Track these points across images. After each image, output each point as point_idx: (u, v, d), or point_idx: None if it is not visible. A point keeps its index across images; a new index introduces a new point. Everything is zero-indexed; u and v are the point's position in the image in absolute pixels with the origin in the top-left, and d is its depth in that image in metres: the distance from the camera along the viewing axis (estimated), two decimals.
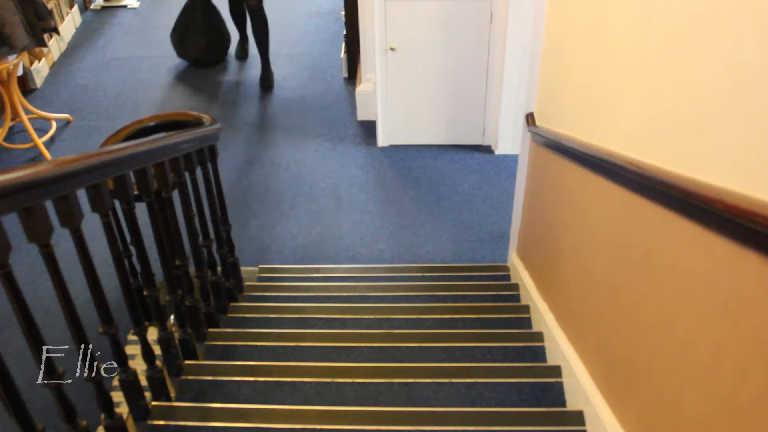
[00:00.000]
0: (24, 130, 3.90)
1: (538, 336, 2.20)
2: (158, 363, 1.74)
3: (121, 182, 1.51)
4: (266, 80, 4.50)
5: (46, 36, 3.66)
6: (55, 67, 4.92)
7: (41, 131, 4.06)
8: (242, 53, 4.92)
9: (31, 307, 1.19)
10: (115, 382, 1.63)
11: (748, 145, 0.93)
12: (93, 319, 1.44)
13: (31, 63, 4.58)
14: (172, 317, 1.97)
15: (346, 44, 4.60)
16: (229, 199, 2.54)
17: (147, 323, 1.67)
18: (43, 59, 4.73)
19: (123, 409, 1.63)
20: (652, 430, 1.32)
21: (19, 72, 4.29)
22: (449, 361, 2.07)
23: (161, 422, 1.67)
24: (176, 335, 1.90)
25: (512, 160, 3.57)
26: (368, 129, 4.24)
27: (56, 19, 4.89)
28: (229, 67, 4.96)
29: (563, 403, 1.85)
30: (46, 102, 4.48)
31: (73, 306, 1.31)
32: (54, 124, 4.16)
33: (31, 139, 3.81)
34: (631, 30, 1.38)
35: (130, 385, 1.60)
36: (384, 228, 3.36)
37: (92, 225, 1.49)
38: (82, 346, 1.36)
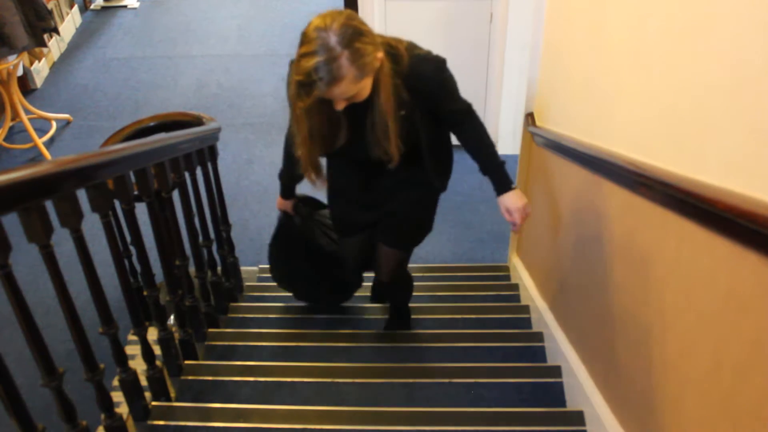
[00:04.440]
0: (24, 130, 3.90)
1: (538, 336, 2.19)
2: (158, 363, 1.74)
3: (121, 182, 1.51)
4: (397, 324, 2.38)
5: (46, 36, 3.66)
6: (55, 67, 4.92)
7: (41, 131, 4.06)
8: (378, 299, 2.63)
9: (31, 307, 1.19)
10: (115, 382, 1.63)
11: (748, 145, 0.93)
12: (93, 319, 1.44)
13: (31, 63, 4.58)
14: (172, 317, 1.97)
15: None
16: (229, 199, 2.54)
17: (147, 323, 1.67)
18: (43, 59, 4.73)
19: (123, 409, 1.63)
20: (652, 430, 1.32)
21: (19, 72, 4.29)
22: (449, 361, 2.07)
23: (161, 422, 1.67)
24: (176, 335, 1.90)
25: (512, 160, 3.55)
26: None
27: (56, 19, 4.89)
28: None
29: (563, 403, 1.85)
30: (46, 102, 4.48)
31: (73, 306, 1.31)
32: (54, 124, 4.16)
33: (31, 139, 3.82)
34: (630, 30, 1.38)
35: (130, 385, 1.60)
36: None
37: (92, 225, 1.49)
38: (82, 346, 1.36)
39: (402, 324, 2.35)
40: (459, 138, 1.72)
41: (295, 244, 2.23)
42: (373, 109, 1.47)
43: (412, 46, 1.55)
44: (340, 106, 1.42)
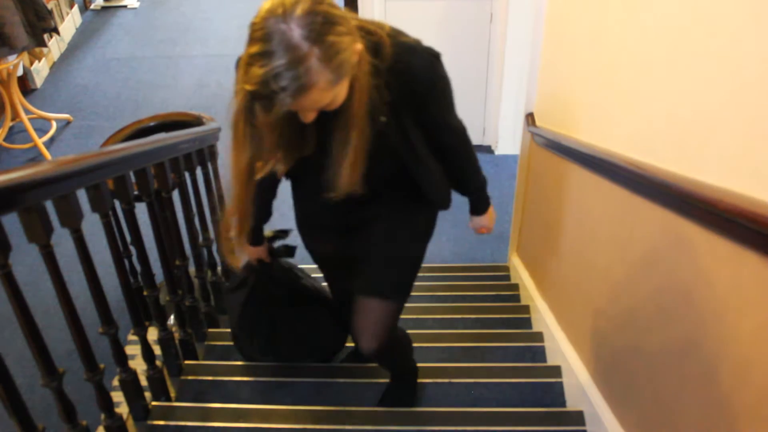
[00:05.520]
0: (24, 130, 3.90)
1: (538, 336, 2.19)
2: (158, 363, 1.74)
3: (121, 182, 1.51)
4: (397, 399, 1.84)
5: (46, 36, 3.66)
6: (55, 67, 4.92)
7: (41, 131, 4.06)
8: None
9: (31, 307, 1.19)
10: (115, 382, 1.63)
11: (748, 145, 0.93)
12: (93, 319, 1.44)
13: (31, 63, 4.58)
14: (172, 317, 1.97)
15: None
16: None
17: (147, 323, 1.67)
18: (43, 59, 4.73)
19: (123, 409, 1.63)
20: (652, 430, 1.32)
21: (19, 72, 4.29)
22: (449, 361, 2.07)
23: (161, 422, 1.67)
24: (176, 335, 1.90)
25: (512, 160, 3.57)
26: None
27: (56, 19, 4.89)
28: None
29: (563, 404, 1.85)
30: (46, 102, 4.48)
31: (73, 306, 1.31)
32: (54, 124, 4.16)
33: (31, 139, 3.82)
34: (631, 31, 1.38)
35: (130, 385, 1.60)
36: None
37: (92, 225, 1.49)
38: (82, 346, 1.36)
39: (405, 393, 1.83)
40: (445, 163, 1.41)
41: (274, 300, 1.78)
42: (340, 116, 1.11)
43: (396, 32, 1.20)
44: (309, 118, 1.08)
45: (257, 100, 0.98)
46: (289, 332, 1.84)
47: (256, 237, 1.63)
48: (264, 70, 0.93)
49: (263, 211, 1.55)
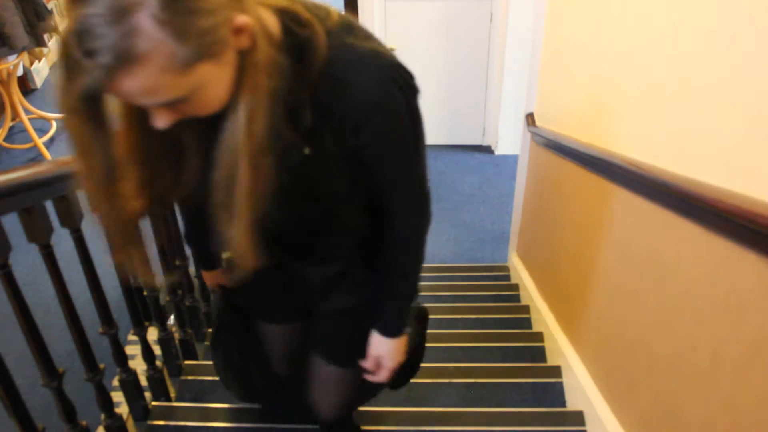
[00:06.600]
0: (24, 130, 3.90)
1: (538, 336, 2.20)
2: (158, 363, 1.74)
3: None
4: None
5: (46, 36, 3.66)
6: (55, 67, 4.93)
7: (41, 131, 4.06)
8: None
9: (31, 307, 1.19)
10: (115, 382, 1.63)
11: (748, 145, 0.93)
12: (93, 319, 1.44)
13: (31, 63, 4.58)
14: (172, 317, 1.97)
15: None
16: None
17: (147, 323, 1.67)
18: (43, 59, 4.73)
19: (123, 409, 1.63)
20: (653, 430, 1.32)
21: (19, 72, 4.29)
22: (449, 361, 2.07)
23: (161, 422, 1.67)
24: (176, 335, 1.90)
25: (512, 160, 3.57)
26: None
27: (56, 18, 4.89)
28: None
29: (563, 404, 1.85)
30: (46, 102, 4.48)
31: (73, 306, 1.31)
32: (54, 124, 4.16)
33: (31, 139, 3.82)
34: (631, 30, 1.38)
35: (130, 385, 1.60)
36: None
37: (92, 225, 1.49)
38: (82, 346, 1.36)
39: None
40: (384, 241, 0.96)
41: (242, 328, 1.32)
42: (222, 133, 0.70)
43: (347, 29, 0.78)
44: (160, 122, 0.69)
45: (63, 69, 0.61)
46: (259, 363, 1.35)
47: (210, 261, 1.25)
48: (68, 22, 0.58)
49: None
